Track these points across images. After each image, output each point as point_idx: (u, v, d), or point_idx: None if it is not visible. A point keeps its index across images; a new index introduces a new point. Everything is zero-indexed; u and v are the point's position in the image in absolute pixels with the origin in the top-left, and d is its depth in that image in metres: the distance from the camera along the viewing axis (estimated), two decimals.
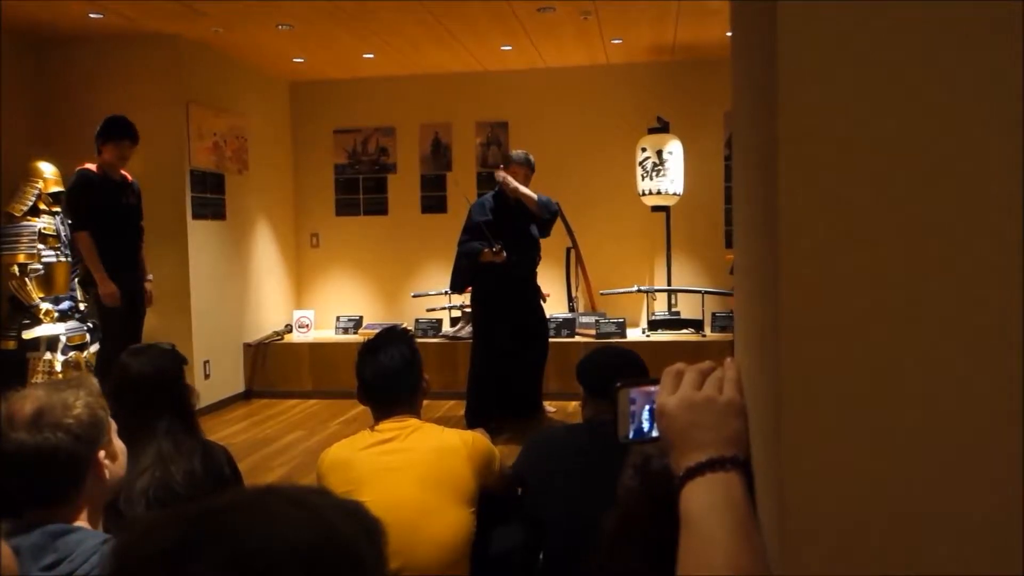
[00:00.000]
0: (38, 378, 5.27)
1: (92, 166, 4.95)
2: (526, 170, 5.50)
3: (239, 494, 0.72)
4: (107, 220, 4.92)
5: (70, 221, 5.08)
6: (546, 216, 5.46)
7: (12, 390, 1.53)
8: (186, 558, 0.62)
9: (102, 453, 1.54)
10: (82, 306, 5.62)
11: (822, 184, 0.65)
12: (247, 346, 7.07)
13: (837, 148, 0.65)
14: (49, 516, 1.46)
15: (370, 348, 2.42)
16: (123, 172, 5.06)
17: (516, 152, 5.62)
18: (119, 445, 1.62)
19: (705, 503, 0.78)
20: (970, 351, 0.63)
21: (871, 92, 0.64)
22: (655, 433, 0.93)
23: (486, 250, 5.32)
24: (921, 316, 0.64)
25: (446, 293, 6.90)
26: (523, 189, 5.39)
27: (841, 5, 0.64)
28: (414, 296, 7.43)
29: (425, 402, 2.48)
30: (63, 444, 1.47)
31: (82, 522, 1.50)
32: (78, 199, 4.91)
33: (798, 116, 0.65)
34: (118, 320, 4.97)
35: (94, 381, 1.61)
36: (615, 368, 2.47)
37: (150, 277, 5.27)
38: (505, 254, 5.31)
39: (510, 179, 5.37)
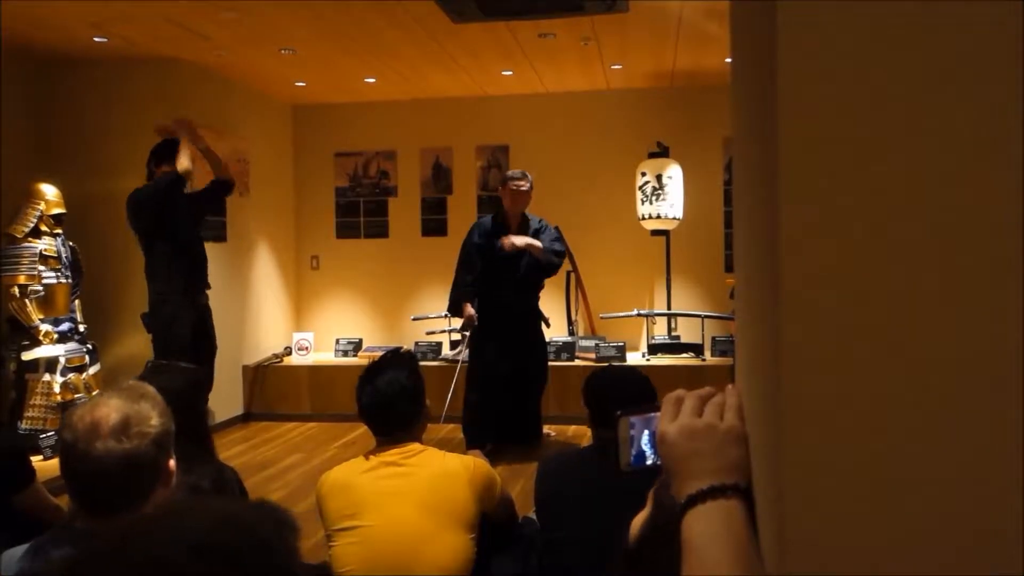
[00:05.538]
0: (36, 400, 5.25)
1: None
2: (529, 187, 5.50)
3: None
4: (184, 229, 4.97)
5: (146, 229, 4.94)
6: (554, 260, 5.45)
7: (72, 402, 1.52)
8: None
9: (172, 462, 1.56)
10: (81, 327, 5.61)
11: (823, 201, 0.64)
12: (246, 368, 7.06)
13: (840, 162, 0.64)
14: None
15: (370, 373, 2.41)
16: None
17: (521, 173, 5.55)
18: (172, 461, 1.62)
19: (706, 531, 0.78)
20: (974, 376, 0.63)
21: (875, 98, 0.63)
22: (657, 460, 0.92)
23: (466, 305, 5.45)
24: (925, 340, 0.63)
25: (446, 316, 6.89)
26: (523, 241, 5.34)
27: (842, 5, 0.63)
28: (414, 319, 7.43)
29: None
30: (148, 452, 1.48)
31: None
32: (165, 197, 4.80)
33: (799, 127, 0.64)
34: (189, 344, 4.87)
35: (154, 391, 1.61)
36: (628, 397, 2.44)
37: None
38: (475, 313, 5.43)
39: (510, 240, 5.33)
